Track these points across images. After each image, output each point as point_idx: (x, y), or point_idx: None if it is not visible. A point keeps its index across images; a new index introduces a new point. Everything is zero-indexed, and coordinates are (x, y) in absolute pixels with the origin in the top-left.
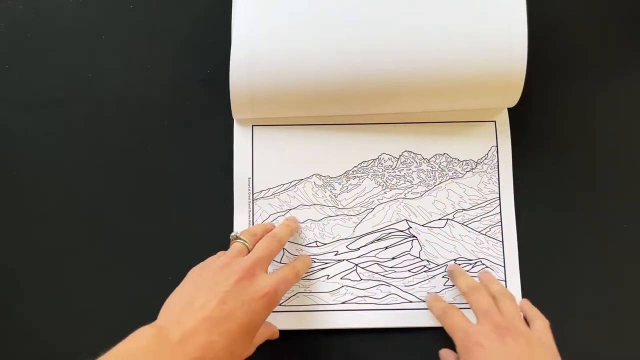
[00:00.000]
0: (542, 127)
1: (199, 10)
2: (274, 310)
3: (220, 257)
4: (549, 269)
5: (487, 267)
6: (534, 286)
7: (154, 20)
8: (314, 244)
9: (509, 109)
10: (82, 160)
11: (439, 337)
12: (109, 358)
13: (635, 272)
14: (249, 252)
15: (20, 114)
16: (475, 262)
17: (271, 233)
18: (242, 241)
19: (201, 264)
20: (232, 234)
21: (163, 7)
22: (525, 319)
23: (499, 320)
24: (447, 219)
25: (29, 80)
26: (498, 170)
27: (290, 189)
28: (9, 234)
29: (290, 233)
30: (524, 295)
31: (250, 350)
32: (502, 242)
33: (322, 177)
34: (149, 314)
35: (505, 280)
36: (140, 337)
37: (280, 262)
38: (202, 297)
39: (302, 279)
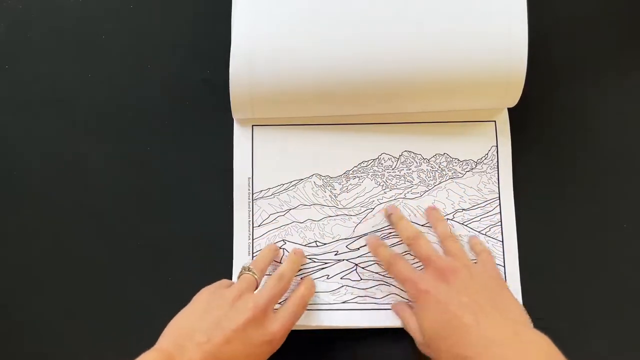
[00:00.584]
0: (542, 127)
1: (199, 10)
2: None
3: (230, 288)
4: (548, 268)
5: None
6: (534, 286)
7: (154, 20)
8: (314, 244)
9: (509, 109)
10: (82, 160)
11: None
12: None
13: (635, 272)
14: (257, 286)
15: (20, 114)
16: (475, 262)
17: (279, 273)
18: (251, 273)
19: (211, 288)
20: (244, 264)
21: (163, 7)
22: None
23: (441, 264)
24: (447, 219)
25: (29, 80)
26: (498, 170)
27: (290, 189)
28: (8, 234)
29: (297, 269)
30: (524, 296)
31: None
32: (502, 242)
33: (322, 177)
34: (149, 314)
35: (505, 280)
36: None
37: (280, 262)
38: (209, 330)
39: (302, 279)
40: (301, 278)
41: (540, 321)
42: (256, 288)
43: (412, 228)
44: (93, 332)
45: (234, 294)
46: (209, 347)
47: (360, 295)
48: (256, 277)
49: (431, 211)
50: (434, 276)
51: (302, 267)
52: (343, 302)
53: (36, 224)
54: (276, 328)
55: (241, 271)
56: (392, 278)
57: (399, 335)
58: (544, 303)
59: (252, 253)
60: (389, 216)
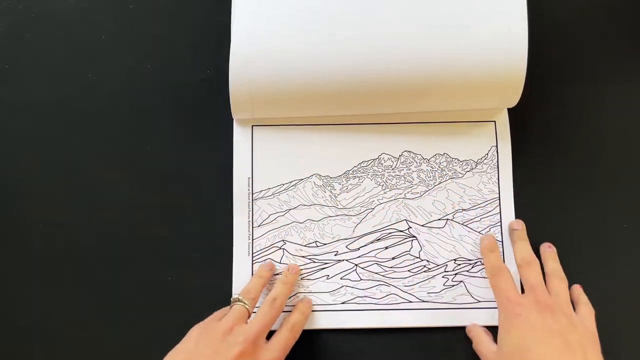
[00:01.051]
0: (542, 128)
1: (199, 10)
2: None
3: (221, 322)
4: None
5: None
6: None
7: (154, 20)
8: (314, 244)
9: (509, 109)
10: (82, 160)
11: (438, 337)
12: None
13: (635, 272)
14: (249, 316)
15: (20, 114)
16: (475, 262)
17: (272, 297)
18: (241, 304)
19: (202, 324)
20: (234, 296)
21: (163, 7)
22: (573, 304)
23: (543, 297)
24: (447, 219)
25: (29, 80)
26: (498, 170)
27: (290, 189)
28: (8, 234)
29: (290, 290)
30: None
31: None
32: (502, 242)
33: (322, 177)
34: (148, 314)
35: None
36: None
37: (279, 262)
38: None
39: (302, 278)
40: (300, 299)
41: None
42: (249, 316)
43: (530, 252)
44: (92, 333)
45: (224, 327)
46: None
47: (359, 295)
48: (247, 307)
49: (546, 250)
50: (532, 304)
51: (301, 269)
52: (342, 303)
53: (35, 224)
54: (269, 358)
55: (232, 302)
56: (393, 279)
57: (399, 336)
58: None
59: (252, 253)
60: (512, 230)
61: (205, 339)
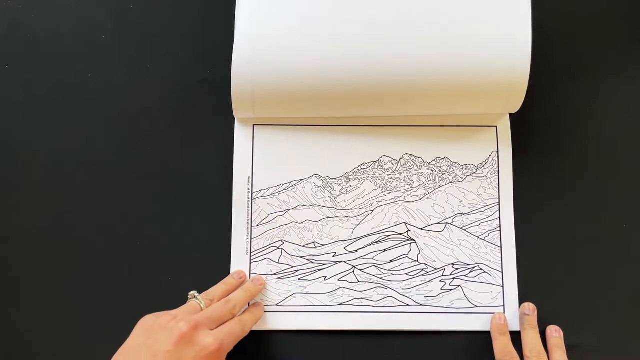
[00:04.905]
0: (543, 134)
1: (199, 10)
2: (271, 310)
3: (169, 312)
4: (547, 275)
5: (485, 272)
6: (532, 292)
7: (154, 20)
8: (312, 245)
9: (510, 115)
10: (82, 160)
11: (434, 341)
12: None
13: (635, 273)
14: (200, 311)
15: (20, 114)
16: (473, 267)
17: (227, 298)
18: (197, 301)
19: (150, 315)
20: (190, 292)
21: (163, 7)
22: None
23: None
24: (446, 223)
25: (29, 80)
26: (498, 175)
27: (290, 189)
28: (9, 233)
29: (249, 298)
30: (522, 302)
31: None
32: (501, 247)
33: (322, 178)
34: (147, 313)
35: (503, 286)
36: None
37: (278, 263)
38: (142, 357)
39: (299, 279)
40: (253, 303)
41: (539, 326)
42: None
43: (539, 343)
44: (92, 332)
45: (170, 317)
46: None
47: (357, 297)
48: (201, 305)
49: (554, 336)
50: None
51: (300, 268)
52: (339, 304)
53: (36, 224)
54: (209, 341)
55: (189, 298)
56: (390, 282)
57: (395, 339)
58: (542, 309)
59: (250, 252)
60: (523, 315)
61: (147, 331)
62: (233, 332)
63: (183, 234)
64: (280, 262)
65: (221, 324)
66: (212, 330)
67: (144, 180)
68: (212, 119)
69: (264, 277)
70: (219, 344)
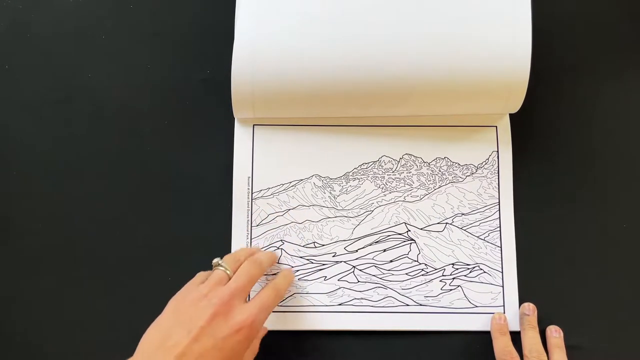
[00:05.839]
0: (543, 134)
1: (199, 10)
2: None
3: (199, 287)
4: (547, 275)
5: (485, 272)
6: (532, 292)
7: (154, 20)
8: (312, 245)
9: (510, 115)
10: (82, 160)
11: (434, 341)
12: None
13: (635, 274)
14: (229, 279)
15: (20, 114)
16: (473, 267)
17: (252, 258)
18: (222, 268)
19: (180, 292)
20: (214, 260)
21: (163, 7)
22: None
23: None
24: (446, 223)
25: (29, 80)
26: (498, 175)
27: (290, 189)
28: (8, 233)
29: (272, 262)
30: (522, 302)
31: None
32: (501, 247)
33: (322, 178)
34: (148, 314)
35: (503, 286)
36: None
37: (278, 263)
38: (175, 334)
39: (299, 279)
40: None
41: (539, 326)
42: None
43: (539, 344)
44: (92, 332)
45: (200, 294)
46: (179, 349)
47: (357, 297)
48: (228, 272)
49: (554, 336)
50: None
51: (300, 268)
52: (339, 304)
53: (35, 224)
54: (243, 317)
55: (213, 266)
56: (390, 282)
57: (395, 339)
58: (542, 309)
59: None
60: (523, 315)
61: (179, 309)
62: (268, 304)
63: (183, 234)
64: (280, 262)
65: (255, 294)
66: (246, 301)
67: (144, 180)
68: (212, 119)
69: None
70: (253, 318)
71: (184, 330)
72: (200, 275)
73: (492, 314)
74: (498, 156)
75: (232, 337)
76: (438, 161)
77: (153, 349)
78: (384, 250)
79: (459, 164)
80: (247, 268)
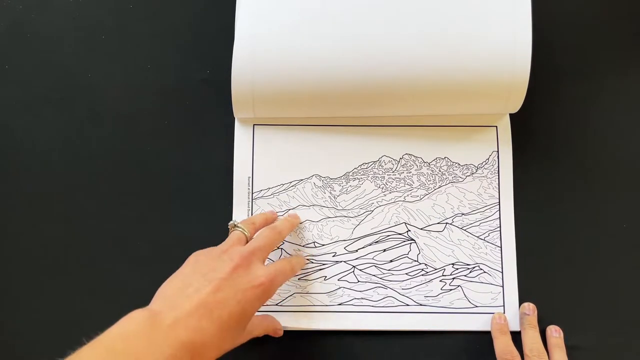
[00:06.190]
0: (543, 134)
1: (199, 10)
2: (271, 310)
3: (218, 246)
4: (547, 275)
5: (485, 272)
6: (532, 292)
7: (154, 20)
8: (312, 245)
9: (510, 115)
10: (82, 160)
11: (434, 341)
12: (99, 341)
13: (635, 274)
14: (247, 241)
15: (20, 114)
16: (473, 267)
17: (272, 225)
18: (240, 229)
19: (200, 250)
20: (231, 222)
21: (163, 7)
22: None
23: None
24: (446, 223)
25: (29, 80)
26: (498, 175)
27: (290, 189)
28: (8, 234)
29: (291, 228)
30: (522, 302)
31: (241, 340)
32: (501, 247)
33: (322, 178)
34: None
35: (503, 286)
36: (132, 320)
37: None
38: (196, 283)
39: (299, 279)
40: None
41: (539, 325)
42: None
43: (539, 342)
44: (92, 332)
45: (221, 248)
46: (198, 296)
47: (357, 297)
48: (246, 233)
49: (554, 335)
50: None
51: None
52: (339, 304)
53: (36, 224)
54: (263, 273)
55: (230, 227)
56: (390, 282)
57: (394, 339)
58: (542, 309)
59: None
60: (523, 315)
61: (201, 260)
62: (284, 270)
63: (183, 234)
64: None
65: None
66: (264, 263)
67: (144, 180)
68: (212, 119)
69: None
70: (272, 278)
71: (205, 280)
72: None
73: (492, 314)
74: (498, 156)
75: (251, 290)
76: (438, 161)
77: (174, 296)
78: (384, 250)
79: (459, 164)
80: (266, 232)
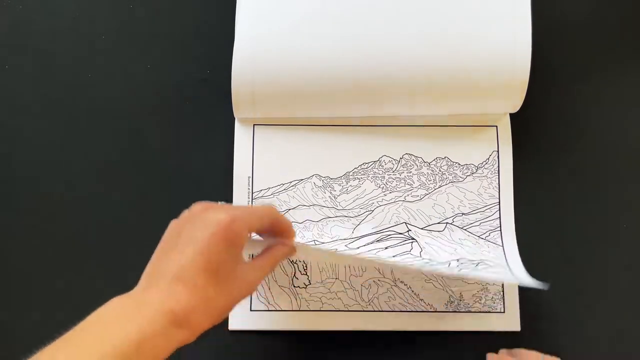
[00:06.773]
0: (543, 133)
1: (199, 10)
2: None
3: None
4: (547, 275)
5: (490, 266)
6: (532, 292)
7: (154, 20)
8: (312, 244)
9: (510, 115)
10: (82, 160)
11: (434, 341)
12: (83, 323)
13: (636, 273)
14: None
15: (20, 114)
16: (478, 263)
17: (252, 208)
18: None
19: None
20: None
21: (163, 7)
22: None
23: None
24: (447, 223)
25: (29, 80)
26: (498, 175)
27: (290, 189)
28: (8, 234)
29: (272, 216)
30: (522, 302)
31: (239, 291)
32: (502, 246)
33: (322, 178)
34: None
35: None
36: (109, 304)
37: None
38: (168, 254)
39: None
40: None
41: (540, 325)
42: None
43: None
44: None
45: (203, 206)
46: (169, 264)
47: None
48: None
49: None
50: None
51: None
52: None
53: (36, 224)
54: (219, 215)
55: None
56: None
57: (394, 339)
58: (543, 308)
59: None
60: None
61: (182, 220)
62: (247, 210)
63: None
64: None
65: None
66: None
67: (144, 180)
68: (212, 119)
69: None
70: (232, 217)
71: (174, 248)
72: None
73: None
74: (498, 156)
75: (210, 236)
76: (438, 161)
77: (151, 276)
78: (386, 248)
79: (459, 164)
80: (256, 205)
